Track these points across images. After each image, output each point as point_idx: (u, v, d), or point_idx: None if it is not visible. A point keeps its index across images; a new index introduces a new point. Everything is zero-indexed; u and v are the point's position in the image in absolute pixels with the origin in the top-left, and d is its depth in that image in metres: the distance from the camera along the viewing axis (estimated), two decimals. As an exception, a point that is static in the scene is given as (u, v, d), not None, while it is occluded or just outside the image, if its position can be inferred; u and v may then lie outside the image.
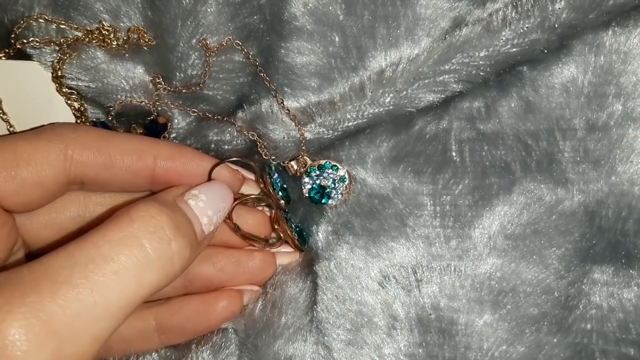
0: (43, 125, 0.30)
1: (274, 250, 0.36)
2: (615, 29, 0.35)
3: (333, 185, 0.36)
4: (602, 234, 0.35)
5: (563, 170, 0.35)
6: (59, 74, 0.35)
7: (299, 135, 0.36)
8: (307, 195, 0.36)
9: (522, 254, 0.35)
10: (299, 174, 0.36)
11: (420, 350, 0.35)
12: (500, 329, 0.35)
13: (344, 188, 0.36)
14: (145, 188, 0.31)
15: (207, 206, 0.29)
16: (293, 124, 0.36)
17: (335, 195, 0.36)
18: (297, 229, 0.36)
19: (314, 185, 0.36)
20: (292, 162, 0.36)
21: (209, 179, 0.31)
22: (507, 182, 0.36)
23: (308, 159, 0.37)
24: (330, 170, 0.36)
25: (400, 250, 0.36)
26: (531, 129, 0.36)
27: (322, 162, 0.36)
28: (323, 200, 0.36)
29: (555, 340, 0.35)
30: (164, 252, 0.25)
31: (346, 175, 0.36)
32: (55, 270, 0.22)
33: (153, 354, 0.34)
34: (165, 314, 0.32)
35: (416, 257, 0.36)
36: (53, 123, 0.31)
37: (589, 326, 0.35)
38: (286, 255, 0.37)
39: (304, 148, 0.36)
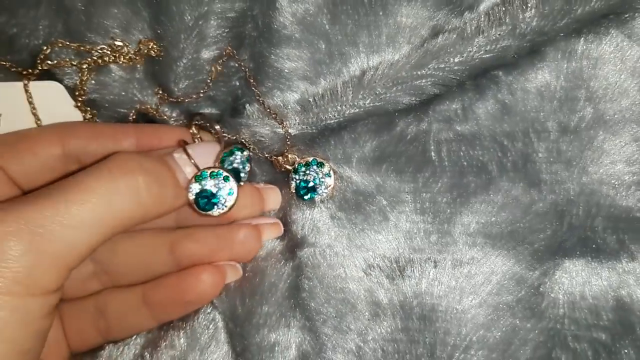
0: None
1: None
2: (587, 36, 0.37)
3: (318, 182, 0.38)
4: (572, 230, 0.37)
5: (537, 170, 0.37)
6: (79, 92, 0.39)
7: (283, 132, 0.38)
8: (293, 191, 0.39)
9: (498, 251, 0.37)
10: (283, 169, 0.39)
11: (402, 335, 0.37)
12: (478, 315, 0.37)
13: (329, 184, 0.38)
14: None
15: (192, 158, 0.34)
16: (276, 122, 0.38)
17: (321, 191, 0.39)
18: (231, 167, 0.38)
19: (301, 182, 0.39)
20: (279, 157, 0.39)
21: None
22: (484, 181, 0.38)
23: (296, 157, 0.39)
24: (316, 167, 0.38)
25: (383, 242, 0.38)
26: (507, 130, 0.38)
27: (309, 159, 0.39)
28: (309, 196, 0.39)
29: (529, 325, 0.37)
30: (130, 182, 0.30)
31: (331, 172, 0.38)
32: (39, 192, 0.28)
33: (137, 337, 0.37)
34: (151, 289, 0.35)
35: (398, 248, 0.38)
36: None
37: (561, 312, 0.37)
38: (271, 229, 0.39)
39: (289, 143, 0.39)
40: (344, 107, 0.37)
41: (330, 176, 0.39)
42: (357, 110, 0.37)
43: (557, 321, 0.37)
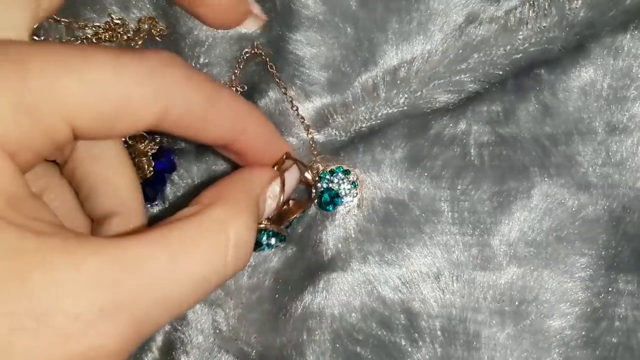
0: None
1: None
2: (634, 32, 0.35)
3: (344, 191, 0.35)
4: (627, 240, 0.34)
5: (584, 173, 0.34)
6: None
7: (308, 139, 0.35)
8: (315, 201, 0.35)
9: (545, 262, 0.34)
10: (313, 182, 0.35)
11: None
12: (525, 341, 0.33)
13: (356, 193, 0.35)
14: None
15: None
16: (302, 126, 0.35)
17: (347, 201, 0.35)
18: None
19: (325, 193, 0.35)
20: (306, 174, 0.35)
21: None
22: (526, 186, 0.34)
23: (320, 165, 0.35)
24: (342, 175, 0.35)
25: (417, 258, 0.34)
26: (549, 132, 0.35)
27: (334, 166, 0.35)
28: (332, 206, 0.35)
29: (581, 354, 0.33)
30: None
31: (357, 181, 0.35)
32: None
33: None
34: None
35: (435, 264, 0.34)
36: None
37: (614, 340, 0.33)
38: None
39: (315, 153, 0.35)
40: (376, 107, 0.34)
41: (357, 186, 0.35)
42: (392, 110, 0.34)
43: (612, 349, 0.33)
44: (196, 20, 0.33)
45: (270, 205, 0.29)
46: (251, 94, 0.36)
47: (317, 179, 0.35)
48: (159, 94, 0.22)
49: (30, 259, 0.18)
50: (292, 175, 0.31)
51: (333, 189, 0.35)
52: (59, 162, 0.28)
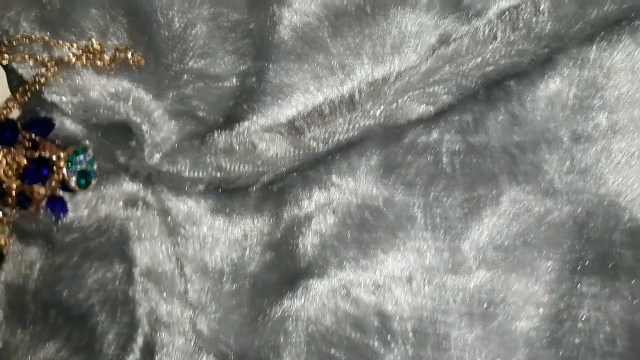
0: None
1: None
2: (600, 43, 0.36)
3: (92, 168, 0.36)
4: (590, 244, 0.35)
5: (550, 180, 0.36)
6: (35, 88, 0.35)
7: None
8: (75, 187, 0.35)
9: (512, 266, 0.35)
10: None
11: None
12: (492, 342, 0.34)
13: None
14: None
15: None
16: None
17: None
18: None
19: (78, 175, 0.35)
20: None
21: None
22: (495, 193, 0.36)
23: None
24: (82, 155, 0.35)
25: (391, 262, 0.35)
26: (517, 141, 0.36)
27: (71, 151, 0.35)
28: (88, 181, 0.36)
29: (546, 354, 0.35)
30: None
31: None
32: None
33: None
34: None
35: (407, 268, 0.35)
36: None
37: (577, 340, 0.35)
38: None
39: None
40: (354, 117, 0.35)
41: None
42: (369, 121, 0.35)
43: (574, 349, 0.35)
44: (177, 54, 0.35)
45: None
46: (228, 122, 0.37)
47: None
48: None
49: None
50: None
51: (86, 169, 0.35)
52: None
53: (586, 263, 0.35)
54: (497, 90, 0.36)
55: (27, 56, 0.35)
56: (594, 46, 0.36)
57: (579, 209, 0.35)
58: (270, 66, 0.36)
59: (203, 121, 0.37)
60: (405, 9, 0.36)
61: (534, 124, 0.36)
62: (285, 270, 0.36)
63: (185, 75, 0.36)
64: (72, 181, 0.35)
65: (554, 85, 0.36)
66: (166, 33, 0.35)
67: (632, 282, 0.35)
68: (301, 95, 0.36)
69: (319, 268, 0.35)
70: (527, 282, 0.35)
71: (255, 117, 0.36)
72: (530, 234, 0.35)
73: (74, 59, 0.35)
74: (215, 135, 0.37)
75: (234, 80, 0.37)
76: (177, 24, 0.35)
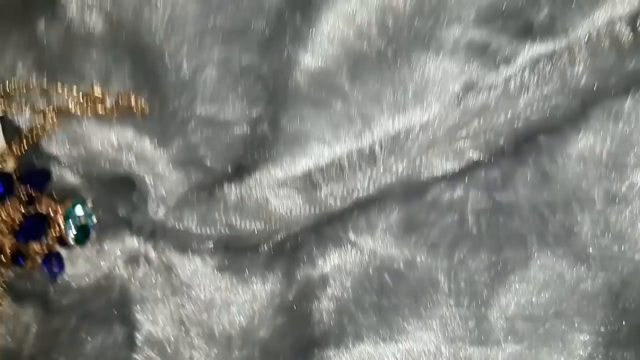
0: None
1: None
2: (635, 96, 0.34)
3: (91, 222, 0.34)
4: (626, 316, 0.33)
5: (583, 244, 0.34)
6: (32, 139, 0.33)
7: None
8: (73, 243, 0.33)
9: (543, 339, 0.33)
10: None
11: None
12: None
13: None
14: None
15: None
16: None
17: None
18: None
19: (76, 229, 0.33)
20: None
21: None
22: (524, 256, 0.34)
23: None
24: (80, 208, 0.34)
25: (413, 332, 0.33)
26: (547, 200, 0.34)
27: (69, 205, 0.33)
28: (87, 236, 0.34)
29: None
30: None
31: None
32: None
33: None
34: None
35: (431, 339, 0.33)
36: None
37: None
38: None
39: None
40: (374, 174, 0.33)
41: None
42: (390, 178, 0.33)
43: None
44: (184, 99, 0.33)
45: None
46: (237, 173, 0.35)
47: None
48: None
49: None
50: None
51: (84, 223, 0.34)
52: None
53: (621, 336, 0.33)
54: (525, 144, 0.34)
55: (23, 104, 0.33)
56: (629, 99, 0.34)
57: (614, 277, 0.33)
58: (284, 112, 0.34)
59: (211, 171, 0.35)
60: (429, 53, 0.34)
61: (564, 182, 0.34)
62: (298, 336, 0.34)
63: (193, 122, 0.34)
64: (70, 237, 0.33)
65: (586, 140, 0.34)
66: (174, 77, 0.33)
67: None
68: (317, 144, 0.34)
69: (335, 337, 0.33)
70: (559, 357, 0.33)
71: (267, 168, 0.34)
72: (563, 303, 0.33)
73: (73, 107, 0.33)
74: (225, 187, 0.35)
75: (245, 126, 0.35)
76: (186, 68, 0.33)
